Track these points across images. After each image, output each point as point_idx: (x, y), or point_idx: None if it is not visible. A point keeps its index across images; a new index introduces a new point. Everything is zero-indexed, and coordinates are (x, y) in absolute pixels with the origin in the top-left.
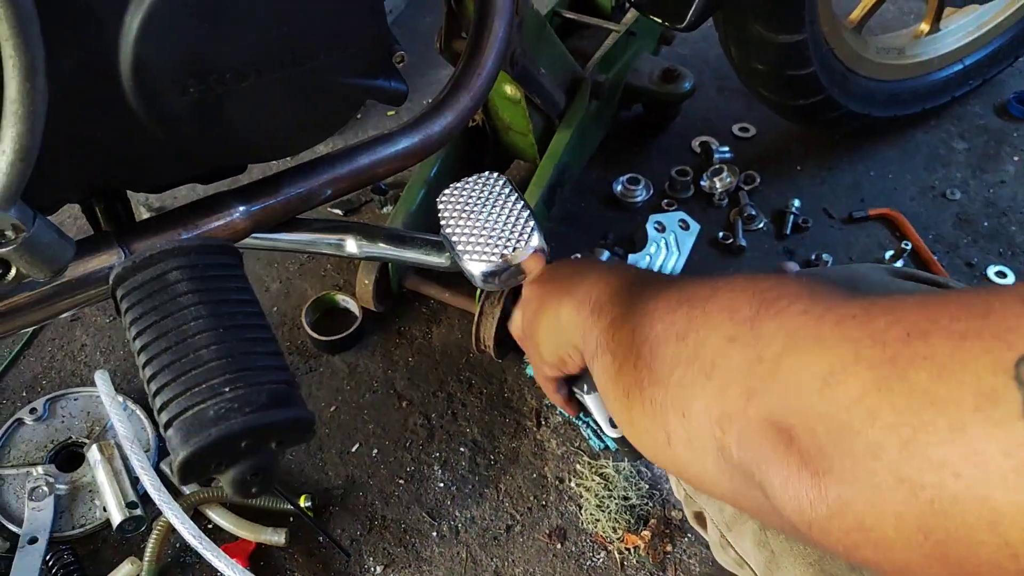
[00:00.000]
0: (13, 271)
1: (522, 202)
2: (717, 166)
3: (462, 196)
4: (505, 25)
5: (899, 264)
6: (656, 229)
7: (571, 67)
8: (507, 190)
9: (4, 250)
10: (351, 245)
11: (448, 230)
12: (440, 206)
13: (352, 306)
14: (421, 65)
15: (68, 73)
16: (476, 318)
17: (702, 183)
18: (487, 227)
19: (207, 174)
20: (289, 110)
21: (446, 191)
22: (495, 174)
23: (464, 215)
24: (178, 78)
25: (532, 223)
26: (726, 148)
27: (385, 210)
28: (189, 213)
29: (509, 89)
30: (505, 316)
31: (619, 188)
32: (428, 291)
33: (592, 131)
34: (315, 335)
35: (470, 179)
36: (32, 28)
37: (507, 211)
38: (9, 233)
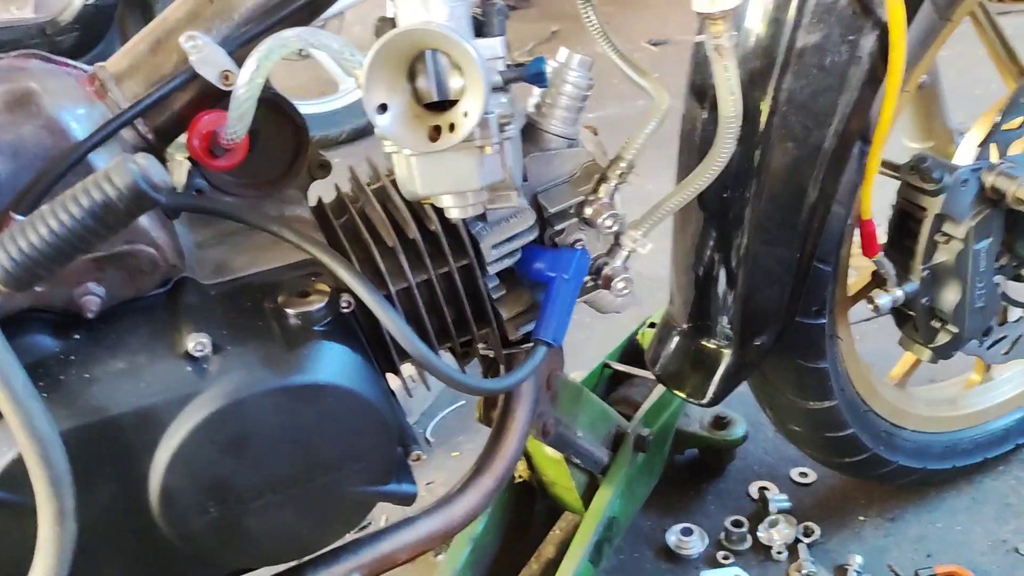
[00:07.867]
0: None
1: None
2: (774, 516)
3: None
4: (527, 410)
5: None
6: None
7: (613, 424)
8: None
9: None
10: None
11: None
12: None
13: None
14: None
15: (102, 504)
16: None
17: (759, 534)
18: None
19: None
20: (302, 520)
21: None
22: None
23: None
24: (201, 501)
25: None
26: (784, 496)
27: (439, 557)
28: None
29: (548, 450)
30: None
31: (672, 539)
32: None
33: (640, 483)
34: None
35: None
36: (64, 478)
37: None
38: None
